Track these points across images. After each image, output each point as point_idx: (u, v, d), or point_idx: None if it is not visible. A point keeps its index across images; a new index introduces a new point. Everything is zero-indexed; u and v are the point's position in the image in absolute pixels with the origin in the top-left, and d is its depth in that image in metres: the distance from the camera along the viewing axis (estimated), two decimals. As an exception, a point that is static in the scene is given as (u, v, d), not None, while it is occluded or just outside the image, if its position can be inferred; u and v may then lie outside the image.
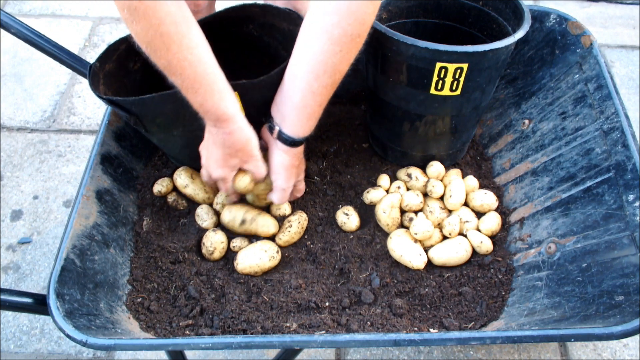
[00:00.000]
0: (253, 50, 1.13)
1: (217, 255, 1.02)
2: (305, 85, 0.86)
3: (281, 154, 0.95)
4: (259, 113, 1.01)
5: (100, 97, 0.95)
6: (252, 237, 1.05)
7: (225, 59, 1.15)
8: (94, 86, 0.96)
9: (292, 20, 1.03)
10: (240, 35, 1.10)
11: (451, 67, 0.91)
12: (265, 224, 1.03)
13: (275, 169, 0.96)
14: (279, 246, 1.03)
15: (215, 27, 1.09)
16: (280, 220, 1.06)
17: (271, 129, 0.94)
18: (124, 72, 1.05)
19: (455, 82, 0.94)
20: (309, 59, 0.84)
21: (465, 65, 0.91)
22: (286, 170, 0.96)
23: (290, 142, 0.92)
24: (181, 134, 1.01)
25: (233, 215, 1.03)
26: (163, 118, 0.97)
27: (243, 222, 1.03)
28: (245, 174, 0.97)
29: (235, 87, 0.94)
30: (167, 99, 0.93)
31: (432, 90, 0.96)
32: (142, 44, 0.76)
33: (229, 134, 0.87)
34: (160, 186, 1.08)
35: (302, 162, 1.02)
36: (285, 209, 1.08)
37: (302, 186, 1.06)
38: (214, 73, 0.82)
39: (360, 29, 0.81)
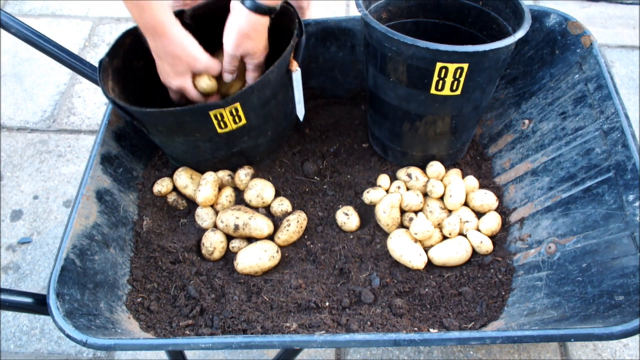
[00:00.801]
0: None
1: (217, 255, 1.02)
2: None
3: (236, 17, 0.94)
4: (258, 117, 1.01)
5: (108, 97, 0.96)
6: (251, 238, 1.05)
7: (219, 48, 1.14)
8: (103, 82, 0.97)
9: (288, 16, 1.03)
10: None
11: (451, 67, 0.91)
12: (258, 226, 1.02)
13: (226, 31, 0.96)
14: (278, 245, 1.03)
15: (218, 16, 1.09)
16: (280, 219, 1.06)
17: None
18: (130, 69, 1.05)
19: (456, 82, 0.94)
20: None
21: (465, 65, 0.91)
22: (237, 35, 0.95)
23: (254, 7, 0.91)
24: (182, 141, 1.02)
25: (225, 223, 1.03)
26: (165, 127, 0.98)
27: (236, 228, 1.03)
28: (202, 75, 0.99)
29: (236, 99, 0.94)
30: (168, 114, 0.94)
31: (433, 90, 0.96)
32: None
33: (165, 45, 0.92)
34: (160, 186, 1.08)
35: (261, 41, 0.98)
36: (286, 206, 1.07)
37: (253, 68, 1.01)
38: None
39: None
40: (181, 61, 0.95)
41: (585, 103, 1.01)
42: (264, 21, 0.94)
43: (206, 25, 1.09)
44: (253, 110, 0.99)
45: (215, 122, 0.97)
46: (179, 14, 1.06)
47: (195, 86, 1.01)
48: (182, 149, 1.05)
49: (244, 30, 0.94)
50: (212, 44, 1.11)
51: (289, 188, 1.13)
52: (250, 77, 1.02)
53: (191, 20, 1.08)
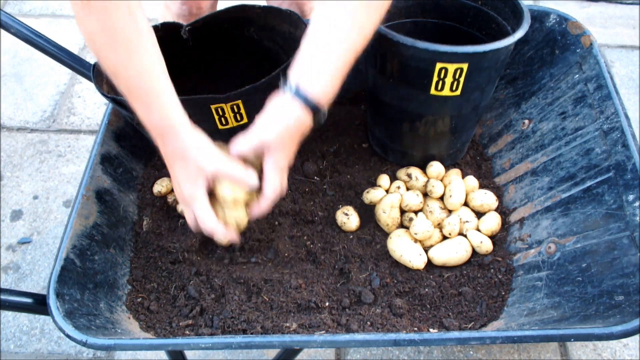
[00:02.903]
0: (253, 55, 1.13)
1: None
2: (332, 46, 0.77)
3: (288, 116, 0.78)
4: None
5: (105, 96, 0.95)
6: None
7: (225, 65, 1.15)
8: (98, 85, 0.96)
9: (293, 22, 1.03)
10: (241, 39, 1.10)
11: (451, 67, 0.91)
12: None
13: (276, 136, 0.78)
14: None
15: (215, 31, 1.08)
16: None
17: (285, 88, 0.80)
18: None
19: (455, 83, 0.94)
20: (333, 22, 0.76)
21: (465, 66, 0.91)
22: (290, 139, 0.79)
23: (305, 101, 0.77)
24: None
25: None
26: None
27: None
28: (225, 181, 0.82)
29: (238, 96, 0.94)
30: None
31: (432, 91, 0.96)
32: (92, 43, 0.74)
33: (175, 147, 0.79)
34: (160, 186, 1.08)
35: (295, 150, 0.83)
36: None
37: (285, 182, 0.85)
38: (160, 84, 0.77)
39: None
40: (191, 163, 0.80)
41: (585, 103, 1.01)
42: (307, 125, 0.80)
43: (204, 40, 1.08)
44: (256, 111, 0.98)
45: (216, 117, 0.97)
46: (177, 28, 1.05)
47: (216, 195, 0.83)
48: None
49: (290, 130, 0.79)
50: (209, 60, 1.11)
51: (289, 188, 1.13)
52: (273, 186, 0.82)
53: (189, 35, 1.07)
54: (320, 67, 0.78)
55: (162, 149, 0.82)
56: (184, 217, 1.08)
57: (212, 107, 0.94)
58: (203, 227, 0.83)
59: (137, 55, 0.74)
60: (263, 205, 0.84)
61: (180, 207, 0.93)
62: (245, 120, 0.99)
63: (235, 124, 0.99)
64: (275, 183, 0.82)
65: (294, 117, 0.78)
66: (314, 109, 0.79)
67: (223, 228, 0.83)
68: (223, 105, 0.94)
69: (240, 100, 0.94)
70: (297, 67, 0.80)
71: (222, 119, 0.97)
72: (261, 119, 0.81)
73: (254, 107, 0.97)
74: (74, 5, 0.72)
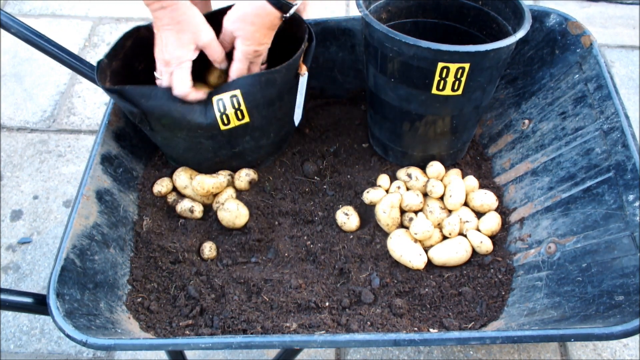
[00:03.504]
0: None
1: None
2: None
3: (255, 10, 0.90)
4: (262, 117, 1.01)
5: (106, 90, 0.95)
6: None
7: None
8: (101, 81, 0.96)
9: (293, 22, 1.03)
10: None
11: (453, 67, 0.91)
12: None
13: (233, 20, 0.93)
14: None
15: (214, 27, 1.08)
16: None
17: None
18: (130, 72, 1.05)
19: (457, 82, 0.94)
20: None
21: (467, 65, 0.91)
22: (252, 25, 0.92)
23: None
24: (185, 137, 1.01)
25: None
26: (169, 119, 0.98)
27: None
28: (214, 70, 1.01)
29: (236, 85, 0.94)
30: (176, 98, 0.94)
31: (434, 90, 0.96)
32: None
33: (172, 13, 0.89)
34: (160, 186, 1.08)
35: (259, 32, 0.94)
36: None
37: (241, 58, 0.97)
38: None
39: None
40: (187, 30, 0.92)
41: (585, 103, 1.01)
42: (274, 15, 0.91)
43: None
44: (256, 108, 0.98)
45: (217, 114, 0.97)
46: None
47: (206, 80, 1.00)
48: (184, 146, 1.04)
49: (250, 14, 0.91)
50: (208, 63, 1.11)
51: (288, 188, 1.13)
52: (234, 67, 0.97)
53: None
54: None
55: (157, 15, 0.90)
56: (184, 217, 1.08)
57: (214, 99, 0.94)
58: (179, 88, 0.95)
59: None
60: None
61: (158, 72, 0.98)
62: (247, 119, 0.99)
63: (237, 123, 0.99)
64: (238, 66, 0.96)
65: (251, 3, 0.90)
66: (279, 2, 0.89)
67: (194, 91, 0.96)
68: (223, 96, 0.94)
69: (239, 90, 0.94)
70: None
71: (224, 116, 0.97)
72: (232, 7, 0.94)
73: (255, 104, 0.97)
74: None
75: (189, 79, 0.95)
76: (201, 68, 1.03)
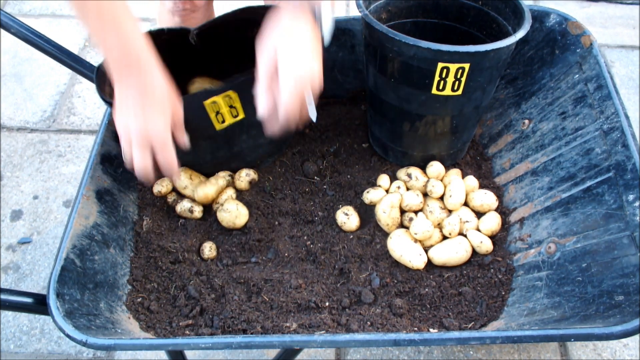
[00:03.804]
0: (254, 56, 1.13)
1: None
2: None
3: (303, 20, 0.76)
4: (256, 114, 1.00)
5: (105, 101, 0.95)
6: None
7: (227, 66, 1.15)
8: (100, 88, 0.96)
9: None
10: (244, 40, 1.10)
11: (453, 67, 0.91)
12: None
13: (299, 41, 0.75)
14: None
15: (222, 34, 1.08)
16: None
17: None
18: None
19: (457, 82, 0.94)
20: None
21: (467, 65, 0.91)
22: (313, 43, 0.76)
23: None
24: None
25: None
26: None
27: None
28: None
29: (232, 86, 0.94)
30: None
31: (434, 91, 0.96)
32: None
33: (144, 80, 0.76)
34: (160, 186, 1.08)
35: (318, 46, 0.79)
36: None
37: (317, 83, 0.80)
38: (128, 12, 0.75)
39: None
40: (162, 100, 0.80)
41: (585, 103, 1.01)
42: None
43: (211, 44, 1.08)
44: (251, 104, 0.98)
45: (212, 114, 0.96)
46: (184, 33, 1.05)
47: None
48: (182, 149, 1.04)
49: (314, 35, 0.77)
50: (216, 64, 1.11)
51: (289, 188, 1.13)
52: (286, 96, 0.79)
53: (197, 39, 1.06)
54: None
55: (125, 81, 0.77)
56: (184, 217, 1.08)
57: (206, 103, 0.94)
58: (168, 168, 0.83)
59: None
60: (281, 118, 0.80)
61: (126, 146, 0.83)
62: (241, 115, 0.98)
63: (232, 120, 0.98)
64: (287, 94, 0.77)
65: (290, 15, 0.77)
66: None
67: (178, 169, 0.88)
68: (216, 98, 0.94)
69: (232, 91, 0.94)
70: None
71: (219, 116, 0.97)
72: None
73: (249, 99, 0.97)
74: None
75: (175, 159, 0.84)
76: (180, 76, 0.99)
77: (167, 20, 1.28)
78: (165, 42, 1.02)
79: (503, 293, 0.95)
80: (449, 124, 1.04)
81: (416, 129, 1.06)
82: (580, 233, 0.90)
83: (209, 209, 1.10)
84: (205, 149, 1.04)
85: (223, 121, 0.98)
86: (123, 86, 0.78)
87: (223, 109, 0.96)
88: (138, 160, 0.81)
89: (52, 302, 0.79)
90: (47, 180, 1.56)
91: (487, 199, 1.06)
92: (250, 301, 0.95)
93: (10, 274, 1.36)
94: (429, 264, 1.01)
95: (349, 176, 1.15)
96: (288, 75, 0.77)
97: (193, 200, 1.09)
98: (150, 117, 0.79)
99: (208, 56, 1.12)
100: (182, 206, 1.08)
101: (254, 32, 1.09)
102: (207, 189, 1.06)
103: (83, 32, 2.01)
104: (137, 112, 0.78)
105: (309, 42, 0.78)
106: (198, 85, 1.16)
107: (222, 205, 1.06)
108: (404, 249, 0.99)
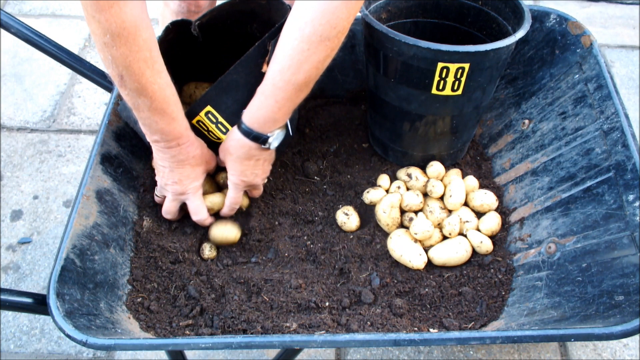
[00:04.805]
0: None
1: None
2: (271, 76, 0.87)
3: (232, 134, 0.94)
4: (242, 107, 0.98)
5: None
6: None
7: (225, 63, 1.14)
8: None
9: (281, 13, 1.02)
10: (244, 37, 1.10)
11: (453, 67, 0.91)
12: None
13: (222, 147, 0.97)
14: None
15: (220, 28, 1.08)
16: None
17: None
18: None
19: (457, 82, 0.94)
20: (279, 52, 0.85)
21: (467, 65, 0.91)
22: (238, 159, 0.96)
23: (243, 130, 0.92)
24: None
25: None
26: None
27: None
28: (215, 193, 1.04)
29: (204, 101, 0.93)
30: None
31: (434, 90, 0.96)
32: (118, 67, 0.79)
33: (189, 144, 0.93)
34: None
35: (262, 165, 1.00)
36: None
37: (258, 191, 1.05)
38: (175, 96, 0.88)
39: (330, 32, 0.81)
40: (202, 161, 0.97)
41: (585, 103, 1.01)
42: (259, 149, 0.94)
43: (212, 34, 1.08)
44: (235, 115, 0.96)
45: (204, 132, 0.97)
46: (186, 25, 1.04)
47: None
48: None
49: (228, 145, 0.96)
50: (218, 52, 1.10)
51: (289, 188, 1.13)
52: (228, 196, 1.02)
53: (198, 31, 1.06)
54: (259, 93, 0.90)
55: (173, 153, 0.92)
56: (184, 217, 1.08)
57: (193, 123, 0.95)
58: (198, 216, 1.01)
59: (159, 73, 0.83)
60: (222, 212, 1.04)
61: (160, 195, 1.03)
62: (230, 129, 0.97)
63: (222, 137, 0.98)
64: (230, 194, 1.01)
65: (234, 140, 0.94)
66: (247, 132, 0.92)
67: (210, 219, 1.03)
68: (200, 117, 0.94)
69: (209, 106, 0.94)
70: (252, 100, 0.92)
71: (211, 134, 0.97)
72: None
73: (231, 112, 0.94)
74: (103, 38, 0.76)
75: (203, 203, 1.01)
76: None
77: (170, 21, 1.28)
78: (170, 41, 1.01)
79: (503, 293, 0.95)
80: (449, 124, 1.04)
81: (416, 129, 1.06)
82: (580, 233, 0.90)
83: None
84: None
85: (218, 138, 0.98)
86: (160, 154, 0.94)
87: (211, 127, 0.96)
88: (167, 206, 1.01)
89: (52, 302, 0.79)
90: (47, 180, 1.56)
91: (487, 199, 1.06)
92: (250, 301, 0.95)
93: (10, 274, 1.36)
94: (429, 264, 1.01)
95: (349, 176, 1.15)
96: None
97: None
98: (185, 182, 0.96)
99: (210, 53, 1.11)
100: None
101: (252, 27, 1.10)
102: (212, 197, 1.05)
103: (83, 32, 2.01)
104: (174, 176, 0.95)
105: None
106: (192, 87, 1.16)
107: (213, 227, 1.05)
108: (404, 249, 0.99)
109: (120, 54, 0.77)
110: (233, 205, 1.03)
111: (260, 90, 0.89)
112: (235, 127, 0.94)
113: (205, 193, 1.04)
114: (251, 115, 0.91)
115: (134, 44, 0.77)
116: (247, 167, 0.98)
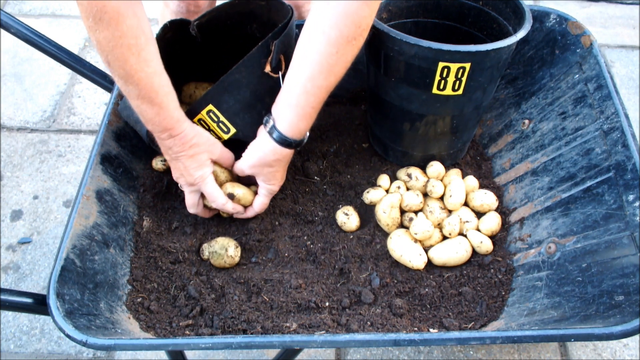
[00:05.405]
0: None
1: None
2: (300, 84, 0.87)
3: (261, 145, 0.94)
4: (246, 124, 0.98)
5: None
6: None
7: (225, 63, 1.14)
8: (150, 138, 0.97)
9: (282, 14, 1.02)
10: (242, 37, 1.10)
11: (454, 66, 0.91)
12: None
13: (248, 152, 0.97)
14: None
15: (220, 28, 1.08)
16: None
17: (266, 122, 0.95)
18: None
19: (458, 82, 0.94)
20: (305, 59, 0.86)
21: (467, 65, 0.91)
22: (258, 160, 0.96)
23: (280, 140, 0.92)
24: None
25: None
26: None
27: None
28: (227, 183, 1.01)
29: (205, 100, 0.93)
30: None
31: (435, 90, 0.96)
32: (102, 52, 0.80)
33: (183, 135, 0.91)
34: (158, 162, 1.09)
35: (280, 170, 1.00)
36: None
37: (265, 193, 1.02)
38: (167, 86, 0.87)
39: (356, 32, 0.82)
40: (202, 150, 0.95)
41: (585, 103, 1.01)
42: (288, 155, 0.96)
43: (211, 34, 1.08)
44: (237, 116, 0.95)
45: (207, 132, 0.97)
46: (185, 25, 1.04)
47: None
48: None
49: (267, 160, 0.95)
50: (218, 53, 1.10)
51: (289, 188, 1.13)
52: (259, 202, 1.02)
53: (197, 31, 1.06)
54: (291, 104, 0.90)
55: (168, 144, 0.92)
56: (185, 217, 1.08)
57: (195, 120, 0.95)
58: (215, 202, 0.98)
59: (146, 62, 0.82)
60: (249, 213, 1.04)
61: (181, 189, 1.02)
62: (233, 130, 0.97)
63: (225, 137, 0.98)
64: (262, 200, 1.02)
65: (268, 149, 0.94)
66: (286, 142, 0.93)
67: (231, 202, 1.00)
68: (201, 116, 0.94)
69: (211, 105, 0.94)
70: (277, 102, 0.93)
71: (211, 133, 0.97)
72: (246, 150, 0.98)
73: (233, 111, 0.95)
74: (86, 20, 0.78)
75: (218, 188, 0.99)
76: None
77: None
78: (168, 40, 1.01)
79: (503, 293, 0.95)
80: (449, 123, 1.04)
81: (416, 128, 1.06)
82: (580, 233, 0.90)
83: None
84: None
85: (219, 138, 0.98)
86: (160, 146, 0.94)
87: (212, 125, 0.96)
88: (186, 199, 1.01)
89: (52, 302, 0.79)
90: (47, 180, 1.56)
91: (487, 199, 1.06)
92: (250, 301, 0.95)
93: (10, 274, 1.36)
94: (429, 264, 1.01)
95: (349, 176, 1.15)
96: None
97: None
98: (190, 172, 0.95)
99: (210, 54, 1.11)
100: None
101: (251, 27, 1.09)
102: (241, 190, 1.04)
103: (83, 32, 2.01)
104: (179, 167, 0.95)
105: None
106: (192, 87, 1.16)
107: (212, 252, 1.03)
108: (404, 249, 0.99)
109: (104, 38, 0.78)
110: (262, 209, 1.04)
111: (295, 102, 0.89)
112: (270, 142, 0.93)
113: (225, 181, 1.02)
114: (292, 127, 0.92)
115: (116, 29, 0.77)
116: (285, 172, 1.01)
